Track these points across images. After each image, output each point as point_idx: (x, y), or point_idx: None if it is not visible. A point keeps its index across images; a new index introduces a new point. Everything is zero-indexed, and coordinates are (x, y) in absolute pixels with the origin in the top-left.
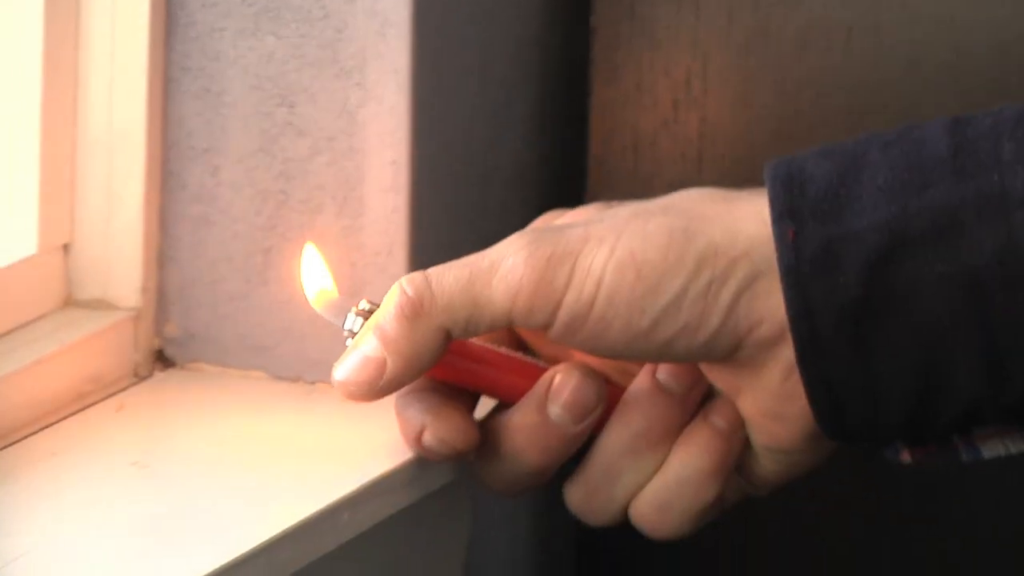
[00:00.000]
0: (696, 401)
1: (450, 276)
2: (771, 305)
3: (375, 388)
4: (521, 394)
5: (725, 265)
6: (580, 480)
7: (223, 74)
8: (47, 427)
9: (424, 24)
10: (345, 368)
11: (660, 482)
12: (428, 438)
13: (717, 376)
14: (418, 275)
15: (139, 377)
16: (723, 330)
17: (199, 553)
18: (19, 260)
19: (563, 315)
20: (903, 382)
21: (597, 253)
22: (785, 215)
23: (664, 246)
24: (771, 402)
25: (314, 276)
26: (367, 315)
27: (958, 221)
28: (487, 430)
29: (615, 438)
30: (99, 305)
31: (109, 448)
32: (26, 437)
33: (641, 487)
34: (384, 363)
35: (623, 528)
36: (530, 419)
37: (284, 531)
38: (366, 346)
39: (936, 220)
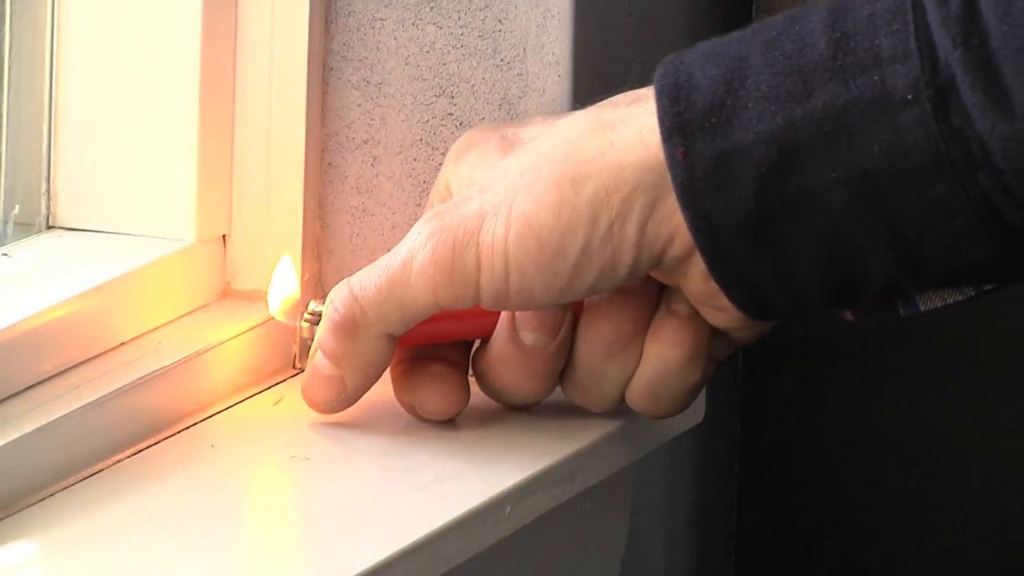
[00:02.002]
0: (654, 294)
1: (372, 286)
2: (676, 223)
3: (340, 402)
4: (491, 328)
5: (620, 203)
6: (571, 383)
7: (383, 64)
8: (206, 419)
9: (585, 15)
10: (309, 389)
11: (643, 376)
12: (421, 414)
13: (657, 277)
14: (343, 290)
15: (297, 369)
16: (639, 260)
17: (364, 545)
18: (177, 250)
19: (485, 295)
20: (816, 275)
21: (495, 229)
22: (674, 132)
23: (555, 204)
24: (704, 297)
25: (281, 286)
26: (317, 320)
27: (844, 126)
28: (476, 368)
29: (590, 347)
30: (257, 297)
31: (268, 440)
32: (185, 429)
33: (629, 379)
34: (341, 379)
35: (781, 517)
36: (509, 352)
37: (447, 524)
38: (321, 367)
39: (822, 127)
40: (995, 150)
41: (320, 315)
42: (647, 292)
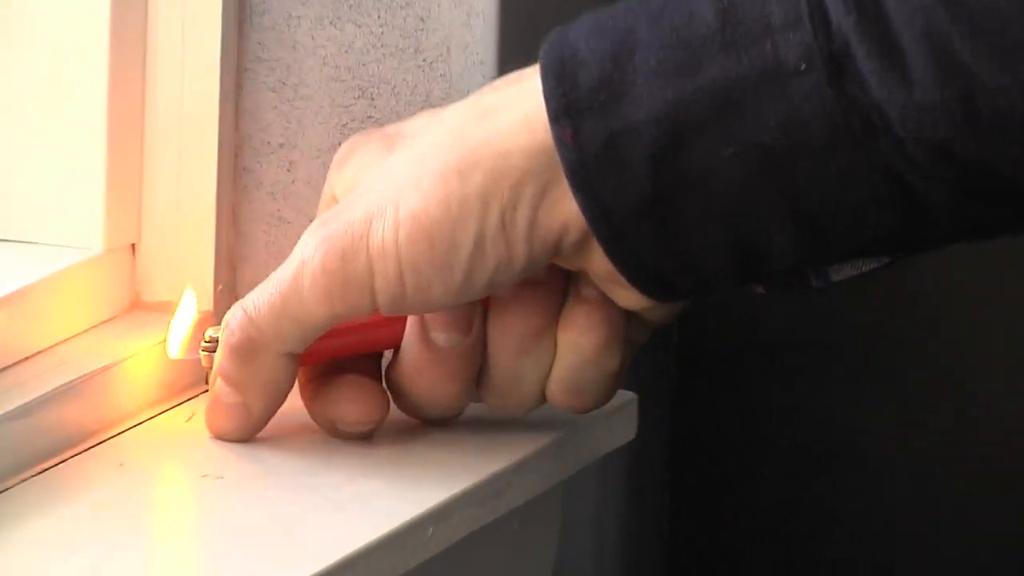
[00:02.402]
0: (561, 282)
1: (265, 305)
2: (569, 209)
3: (247, 429)
4: (400, 335)
5: (509, 191)
6: (488, 388)
7: (300, 65)
8: (114, 436)
9: (511, 15)
10: (213, 419)
11: (560, 368)
12: (342, 428)
13: (560, 264)
14: (238, 312)
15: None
16: (534, 250)
17: (279, 568)
18: (84, 260)
19: (381, 299)
20: (718, 254)
21: (384, 230)
22: (561, 114)
23: (444, 198)
24: (608, 279)
25: (181, 324)
26: (214, 347)
27: (735, 100)
28: (390, 381)
29: (501, 346)
30: (169, 308)
31: (180, 458)
32: (92, 447)
33: (546, 375)
34: (245, 406)
35: (714, 524)
36: (422, 357)
37: (366, 546)
38: (223, 395)
39: (714, 102)
40: (894, 118)
41: (215, 341)
42: (553, 281)
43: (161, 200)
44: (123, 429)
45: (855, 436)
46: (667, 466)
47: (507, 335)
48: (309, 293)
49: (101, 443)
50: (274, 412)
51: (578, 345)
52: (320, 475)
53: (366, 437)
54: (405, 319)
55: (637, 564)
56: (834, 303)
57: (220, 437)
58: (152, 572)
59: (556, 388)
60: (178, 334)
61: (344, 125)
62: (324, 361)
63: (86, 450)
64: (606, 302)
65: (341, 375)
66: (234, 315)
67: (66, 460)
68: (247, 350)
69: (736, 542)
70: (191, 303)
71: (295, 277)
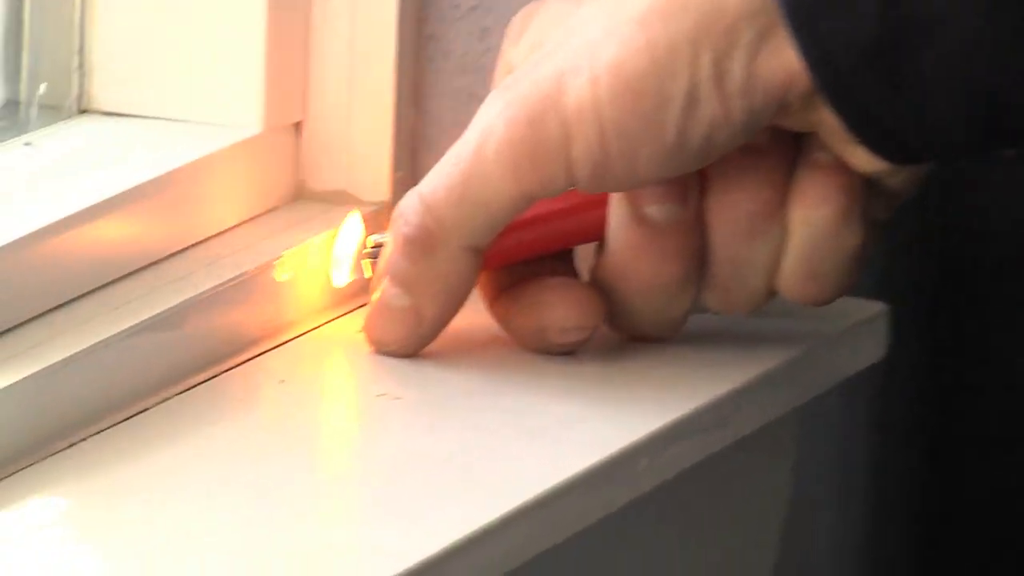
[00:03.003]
0: (789, 148)
1: (443, 188)
2: (792, 57)
3: (417, 338)
4: (599, 225)
5: (722, 37)
6: (710, 286)
7: None
8: (274, 348)
9: None
10: (375, 327)
11: (794, 250)
12: (554, 337)
13: (785, 125)
14: (413, 199)
15: None
16: (754, 105)
17: (469, 504)
18: (241, 140)
19: (580, 170)
20: (955, 110)
21: (578, 87)
22: None
23: (648, 44)
24: (841, 138)
25: (344, 249)
26: (379, 254)
27: None
28: (601, 281)
29: (727, 229)
30: (338, 198)
31: (350, 375)
32: (248, 360)
33: (777, 262)
34: (416, 310)
35: (977, 485)
36: (635, 237)
37: (569, 479)
38: (390, 297)
39: None
40: None
41: (380, 247)
42: (780, 148)
43: (330, 72)
44: (285, 339)
45: None
46: (921, 395)
47: (732, 215)
48: (494, 169)
49: (259, 355)
50: (448, 320)
51: (813, 219)
52: (515, 397)
53: (576, 348)
54: (604, 205)
55: (886, 507)
56: None
57: (382, 349)
58: (321, 507)
59: (789, 274)
60: (344, 258)
61: None
62: (511, 262)
63: (241, 363)
64: (841, 167)
65: (542, 279)
66: (409, 203)
67: (217, 375)
68: (424, 242)
69: (1003, 483)
70: (357, 227)
71: (476, 152)
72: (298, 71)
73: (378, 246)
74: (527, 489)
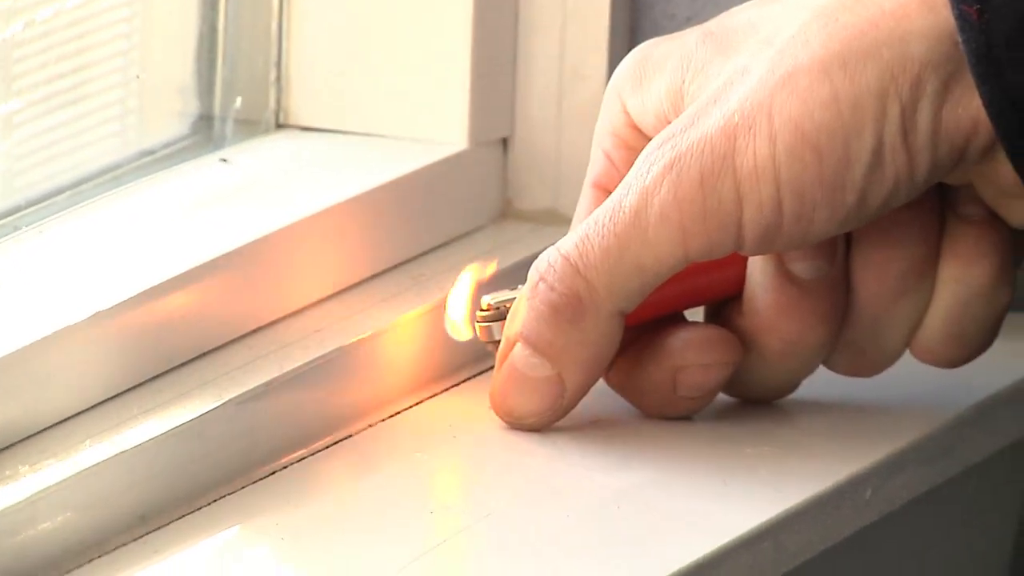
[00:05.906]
0: (936, 202)
1: (596, 251)
2: (976, 106)
3: (558, 410)
4: (734, 281)
5: (909, 86)
6: (844, 346)
7: None
8: (480, 374)
9: None
10: (511, 398)
11: (942, 311)
12: (694, 375)
13: (949, 179)
14: (560, 262)
15: None
16: (938, 159)
17: (693, 534)
18: (445, 157)
19: (750, 233)
20: None
21: (755, 145)
22: None
23: (830, 98)
24: (1009, 192)
25: (459, 302)
26: (496, 316)
27: None
28: (739, 332)
29: (875, 287)
30: (546, 217)
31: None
32: (458, 384)
33: (919, 324)
34: (560, 380)
35: None
36: (783, 295)
37: (792, 509)
38: (527, 368)
39: None
40: None
41: (497, 309)
42: (930, 202)
43: (539, 85)
44: (487, 367)
45: None
46: None
47: (883, 273)
48: (657, 231)
49: (470, 379)
50: (588, 389)
51: (967, 277)
52: (720, 431)
53: (702, 405)
54: (743, 261)
55: None
56: None
57: (517, 422)
58: (532, 535)
59: (931, 335)
60: (458, 311)
61: None
62: (644, 321)
63: (450, 388)
64: (995, 223)
65: (666, 329)
66: (551, 264)
67: (421, 402)
68: (573, 309)
69: None
70: (467, 282)
71: (635, 213)
72: (505, 84)
73: (491, 309)
74: (749, 520)
